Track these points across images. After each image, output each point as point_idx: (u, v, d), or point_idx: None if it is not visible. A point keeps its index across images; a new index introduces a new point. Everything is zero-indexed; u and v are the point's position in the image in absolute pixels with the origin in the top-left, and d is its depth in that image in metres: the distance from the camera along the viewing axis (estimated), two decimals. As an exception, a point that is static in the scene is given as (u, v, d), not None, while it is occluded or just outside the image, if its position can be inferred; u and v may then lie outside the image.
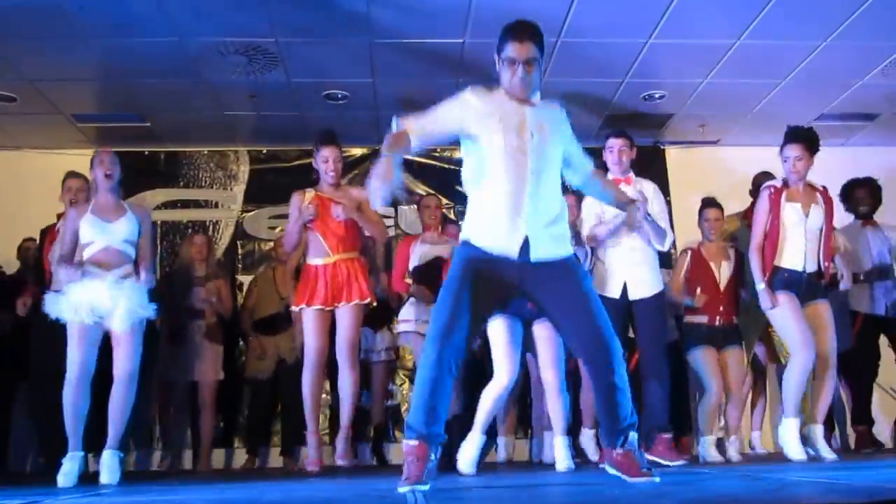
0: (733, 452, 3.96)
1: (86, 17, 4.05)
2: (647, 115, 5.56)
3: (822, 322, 3.58)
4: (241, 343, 5.23)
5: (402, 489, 2.15)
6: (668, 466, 3.37)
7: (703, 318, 3.95)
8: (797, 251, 3.55)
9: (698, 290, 3.93)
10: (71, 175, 4.13)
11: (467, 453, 3.27)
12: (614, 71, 4.89)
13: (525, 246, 2.32)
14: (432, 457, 2.25)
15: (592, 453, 3.97)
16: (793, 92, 5.16)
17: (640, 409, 4.71)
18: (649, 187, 3.73)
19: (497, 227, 2.34)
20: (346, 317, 3.56)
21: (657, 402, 3.50)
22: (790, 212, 3.56)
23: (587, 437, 4.06)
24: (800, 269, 3.55)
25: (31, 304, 4.01)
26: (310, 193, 3.68)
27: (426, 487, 2.17)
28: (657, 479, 2.27)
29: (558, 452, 3.39)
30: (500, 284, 2.36)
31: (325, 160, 3.62)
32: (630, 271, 3.60)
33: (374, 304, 3.77)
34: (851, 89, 5.17)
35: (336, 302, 3.55)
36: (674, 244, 4.64)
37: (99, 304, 3.28)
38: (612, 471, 2.39)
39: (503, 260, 2.32)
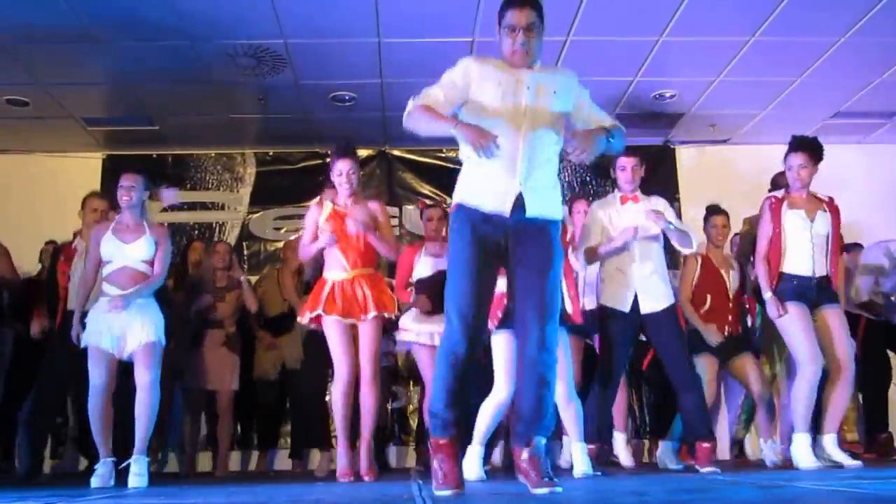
0: (772, 456, 3.90)
1: (97, 22, 4.05)
2: (657, 114, 5.49)
3: (834, 329, 3.48)
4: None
5: (440, 493, 2.08)
6: (696, 471, 3.43)
7: (711, 328, 3.92)
8: (804, 257, 3.49)
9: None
10: (93, 195, 4.15)
11: (472, 465, 3.24)
12: (625, 69, 4.83)
13: (518, 203, 2.30)
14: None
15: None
16: (808, 89, 5.07)
17: (662, 418, 4.75)
18: (660, 203, 3.69)
19: (490, 186, 2.31)
20: (367, 331, 3.47)
21: (694, 411, 3.49)
22: (793, 218, 3.51)
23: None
24: (808, 274, 3.48)
25: (45, 326, 4.14)
26: (328, 207, 3.55)
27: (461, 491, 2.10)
28: (559, 489, 2.18)
29: (576, 457, 3.36)
30: (496, 251, 2.32)
31: (340, 173, 3.49)
32: (641, 283, 3.55)
33: (396, 316, 3.69)
34: (870, 86, 5.06)
35: (355, 316, 3.44)
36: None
37: (114, 325, 3.39)
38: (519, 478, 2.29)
39: (496, 217, 2.29)
